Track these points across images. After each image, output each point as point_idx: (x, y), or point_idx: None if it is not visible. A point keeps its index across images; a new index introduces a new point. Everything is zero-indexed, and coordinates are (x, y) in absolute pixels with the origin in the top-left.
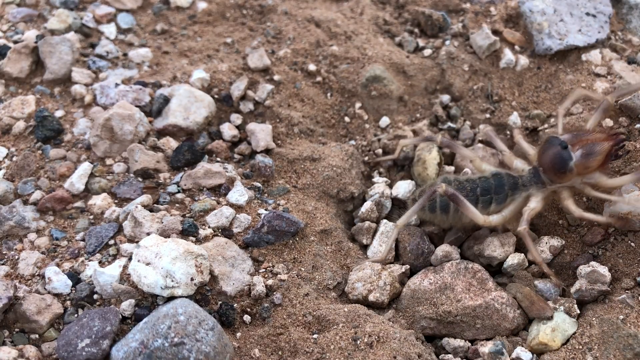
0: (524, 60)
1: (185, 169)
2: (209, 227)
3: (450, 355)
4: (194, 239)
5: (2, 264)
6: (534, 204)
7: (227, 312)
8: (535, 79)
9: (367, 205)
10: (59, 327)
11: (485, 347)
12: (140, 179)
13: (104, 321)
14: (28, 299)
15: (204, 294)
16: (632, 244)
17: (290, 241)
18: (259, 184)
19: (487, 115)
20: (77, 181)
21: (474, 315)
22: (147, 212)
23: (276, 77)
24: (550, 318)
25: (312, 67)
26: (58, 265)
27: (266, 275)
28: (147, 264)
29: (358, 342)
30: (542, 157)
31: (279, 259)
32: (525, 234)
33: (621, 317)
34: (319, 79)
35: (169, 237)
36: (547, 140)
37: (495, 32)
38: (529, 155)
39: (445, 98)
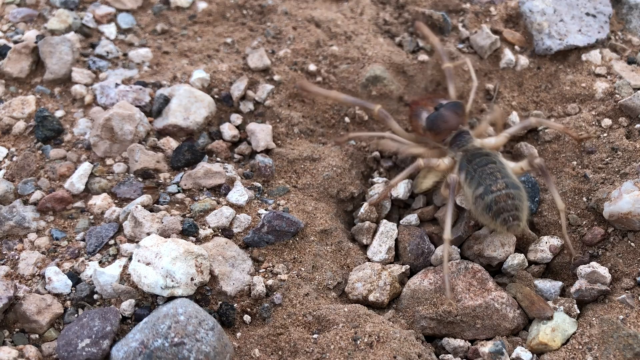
0: (524, 60)
1: (185, 169)
2: (209, 227)
3: (450, 355)
4: (194, 239)
5: (2, 264)
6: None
7: (227, 312)
8: (535, 79)
9: (367, 205)
10: (59, 327)
11: (485, 347)
12: (140, 179)
13: (104, 321)
14: (28, 299)
15: (204, 294)
16: (632, 244)
17: (290, 241)
18: (259, 184)
19: (487, 116)
20: (77, 181)
21: (474, 315)
22: (147, 212)
23: (276, 77)
24: (550, 318)
25: (312, 67)
26: (58, 265)
27: (266, 275)
28: (147, 264)
29: (358, 342)
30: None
31: (279, 259)
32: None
33: (621, 317)
34: (319, 79)
35: (169, 237)
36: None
37: (495, 32)
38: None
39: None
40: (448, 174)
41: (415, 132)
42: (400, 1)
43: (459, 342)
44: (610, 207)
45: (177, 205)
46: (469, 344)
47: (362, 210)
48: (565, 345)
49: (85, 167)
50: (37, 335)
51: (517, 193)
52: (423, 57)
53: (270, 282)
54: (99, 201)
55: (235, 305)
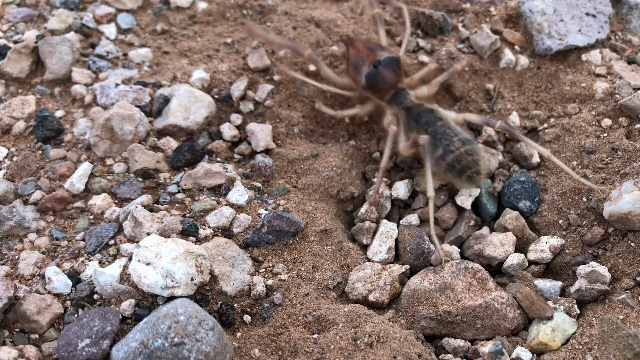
0: (524, 60)
1: (185, 169)
2: (209, 227)
3: (450, 355)
4: (194, 239)
5: (2, 264)
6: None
7: (227, 312)
8: (535, 79)
9: (367, 205)
10: (59, 327)
11: (485, 347)
12: (140, 179)
13: (104, 321)
14: (28, 299)
15: (204, 294)
16: (632, 244)
17: (290, 241)
18: (259, 184)
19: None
20: (77, 181)
21: (474, 315)
22: (147, 212)
23: (276, 77)
24: (550, 318)
25: (312, 67)
26: (58, 265)
27: (266, 275)
28: (147, 264)
29: (358, 342)
30: None
31: (279, 259)
32: None
33: (621, 317)
34: (319, 79)
35: (169, 237)
36: None
37: (495, 32)
38: None
39: None
40: (418, 136)
41: (355, 84)
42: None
43: (459, 342)
44: (610, 207)
45: (177, 205)
46: (469, 344)
47: (362, 210)
48: (565, 345)
49: (85, 167)
50: (37, 335)
51: (473, 148)
52: (423, 57)
53: (270, 282)
54: (99, 201)
55: (235, 305)
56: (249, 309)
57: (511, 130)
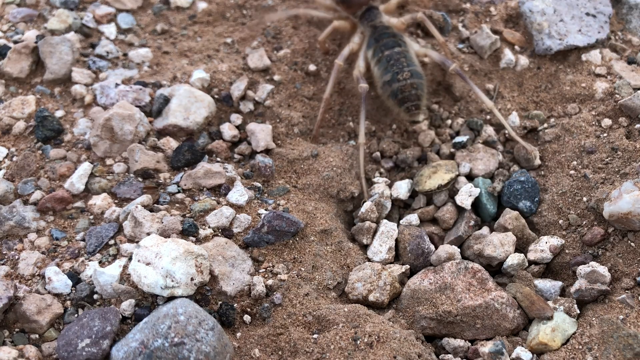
0: (524, 60)
1: (185, 169)
2: (209, 227)
3: (450, 355)
4: (194, 239)
5: (2, 264)
6: None
7: (227, 312)
8: (535, 79)
9: (367, 205)
10: (59, 327)
11: (485, 347)
12: (140, 179)
13: (104, 321)
14: (28, 299)
15: (204, 294)
16: (632, 244)
17: (290, 241)
18: (259, 184)
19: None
20: (77, 181)
21: (474, 315)
22: (147, 212)
23: (276, 77)
24: (550, 318)
25: (312, 67)
26: (58, 265)
27: (266, 275)
28: (147, 264)
29: (358, 342)
30: None
31: (279, 259)
32: None
33: (621, 317)
34: (319, 79)
35: (169, 237)
36: None
37: (495, 32)
38: None
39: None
40: (357, 79)
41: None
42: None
43: (459, 342)
44: (610, 207)
45: (177, 205)
46: (469, 344)
47: (362, 210)
48: (565, 345)
49: (85, 167)
50: (37, 335)
51: (419, 83)
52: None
53: (270, 282)
54: (99, 201)
55: (235, 305)
56: (249, 309)
57: (462, 75)
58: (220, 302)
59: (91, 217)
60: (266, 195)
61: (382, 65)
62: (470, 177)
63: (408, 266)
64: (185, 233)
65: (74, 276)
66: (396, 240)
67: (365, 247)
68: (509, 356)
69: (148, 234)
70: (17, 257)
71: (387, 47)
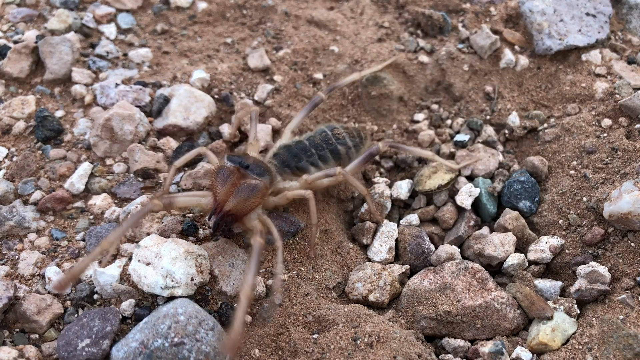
0: (524, 60)
1: (186, 169)
2: (209, 227)
3: (450, 355)
4: (194, 239)
5: (2, 264)
6: None
7: (227, 312)
8: (535, 79)
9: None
10: (59, 327)
11: (485, 347)
12: (140, 179)
13: (104, 321)
14: (28, 299)
15: (204, 294)
16: (632, 244)
17: (290, 241)
18: None
19: (488, 117)
20: (77, 181)
21: (474, 315)
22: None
23: (276, 77)
24: (550, 318)
25: (312, 67)
26: (58, 265)
27: (266, 275)
28: (147, 264)
29: (358, 342)
30: None
31: None
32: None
33: (621, 317)
34: (319, 79)
35: (169, 237)
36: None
37: (495, 32)
38: None
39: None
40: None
41: None
42: (400, 1)
43: (459, 342)
44: (610, 207)
45: None
46: (469, 344)
47: (362, 210)
48: (565, 345)
49: (85, 167)
50: (37, 335)
51: None
52: (423, 57)
53: (270, 282)
54: (99, 201)
55: (235, 305)
56: (249, 309)
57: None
58: (220, 302)
59: (91, 217)
60: None
61: None
62: (470, 177)
63: (408, 266)
64: (185, 233)
65: None
66: (396, 240)
67: (365, 247)
68: (509, 356)
69: (148, 234)
70: (17, 257)
71: None
